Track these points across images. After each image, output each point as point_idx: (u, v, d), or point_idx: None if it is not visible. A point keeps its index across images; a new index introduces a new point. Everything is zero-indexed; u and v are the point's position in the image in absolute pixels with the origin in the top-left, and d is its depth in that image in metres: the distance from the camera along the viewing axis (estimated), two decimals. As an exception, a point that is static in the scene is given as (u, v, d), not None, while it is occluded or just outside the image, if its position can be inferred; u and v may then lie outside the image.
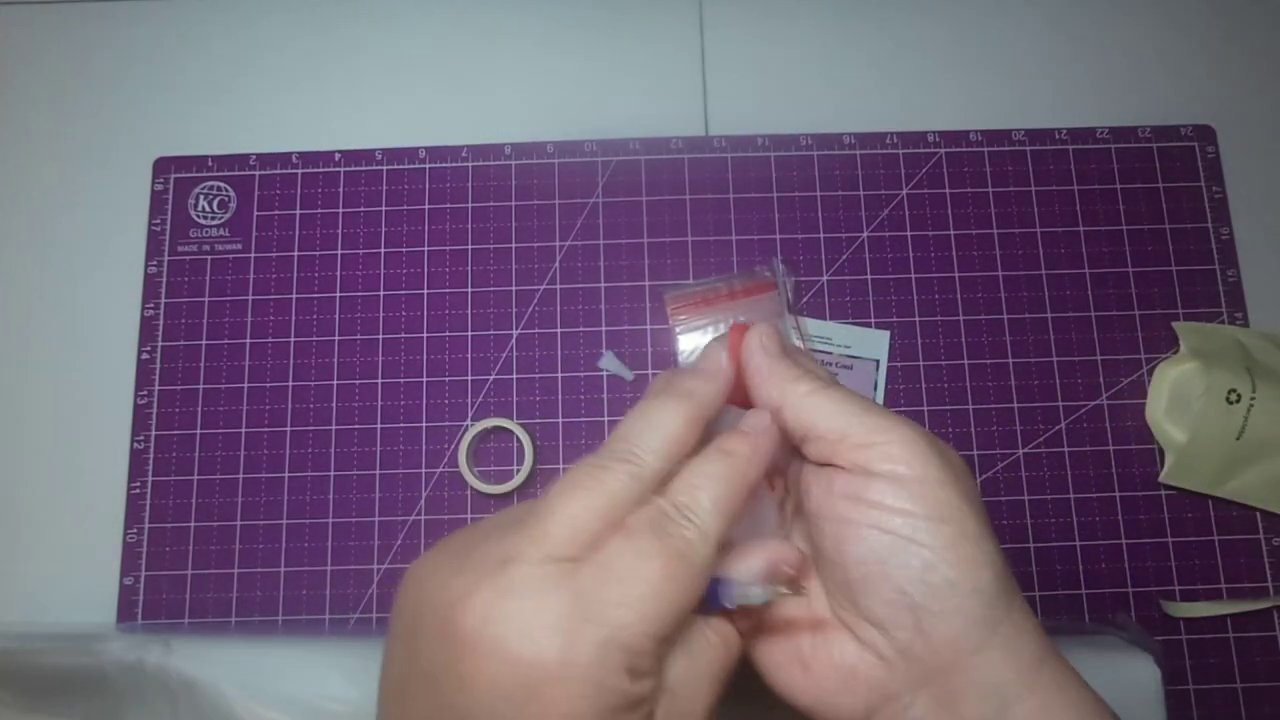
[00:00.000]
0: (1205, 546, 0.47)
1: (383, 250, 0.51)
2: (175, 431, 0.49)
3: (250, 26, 0.55)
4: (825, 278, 0.50)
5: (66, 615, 0.46)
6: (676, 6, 0.55)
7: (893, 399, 0.49)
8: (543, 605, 0.23)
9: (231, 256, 0.51)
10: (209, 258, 0.51)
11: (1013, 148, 0.52)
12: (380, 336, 0.50)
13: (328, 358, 0.49)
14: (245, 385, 0.49)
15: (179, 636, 0.44)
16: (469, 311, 0.50)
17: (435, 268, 0.51)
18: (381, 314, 0.50)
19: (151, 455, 0.48)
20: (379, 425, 0.49)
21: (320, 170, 0.52)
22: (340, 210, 0.51)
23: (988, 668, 0.25)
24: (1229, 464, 0.46)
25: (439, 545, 0.26)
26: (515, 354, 0.49)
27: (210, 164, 0.52)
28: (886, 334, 0.49)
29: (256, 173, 0.52)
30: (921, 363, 0.49)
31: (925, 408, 0.48)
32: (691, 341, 0.49)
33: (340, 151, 0.52)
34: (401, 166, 0.52)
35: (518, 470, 0.47)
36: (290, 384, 0.49)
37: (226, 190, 0.52)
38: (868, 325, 0.49)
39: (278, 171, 0.52)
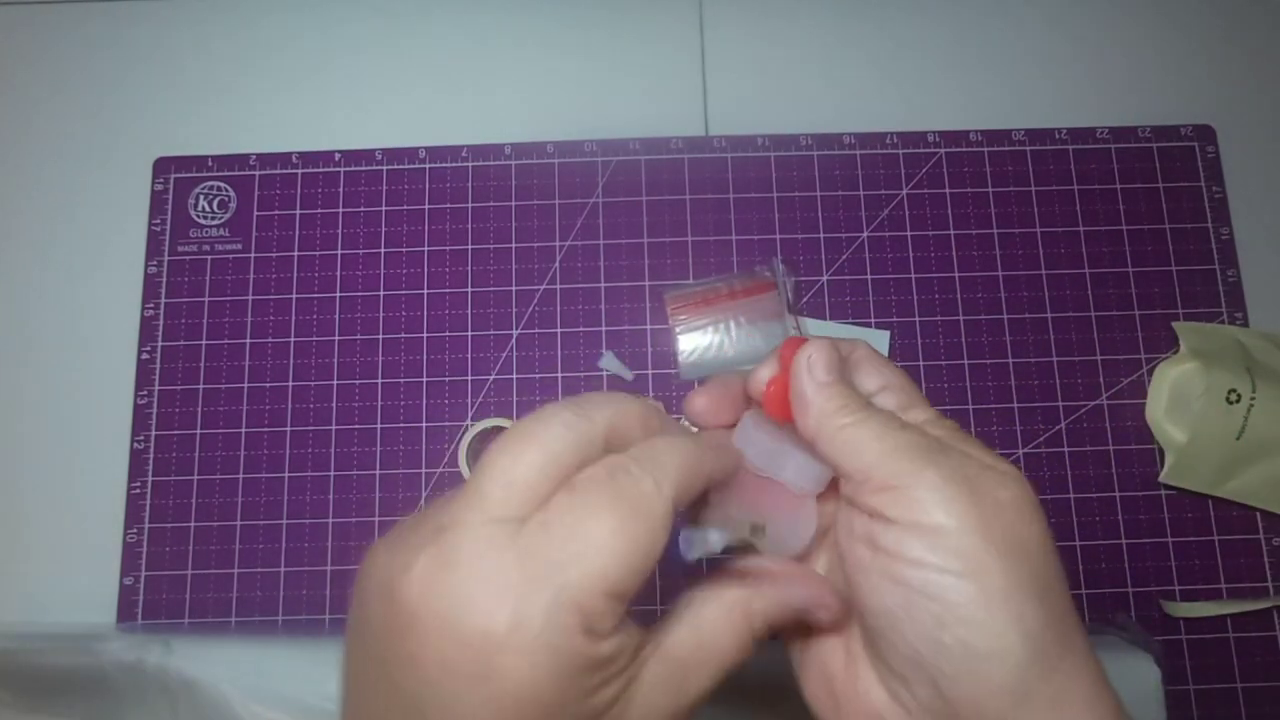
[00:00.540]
0: (1205, 546, 0.47)
1: (383, 250, 0.51)
2: (175, 431, 0.49)
3: (250, 26, 0.55)
4: (825, 278, 0.50)
5: (66, 615, 0.46)
6: (676, 6, 0.55)
7: (893, 399, 0.49)
8: (485, 570, 0.21)
9: (231, 256, 0.51)
10: (209, 258, 0.51)
11: (1013, 148, 0.52)
12: (380, 336, 0.50)
13: (328, 358, 0.49)
14: (245, 385, 0.49)
15: (179, 636, 0.44)
16: (469, 311, 0.50)
17: (435, 268, 0.51)
18: (381, 314, 0.50)
19: (151, 455, 0.48)
20: (379, 425, 0.49)
21: (320, 170, 0.52)
22: (340, 210, 0.51)
23: None
24: (1229, 464, 0.46)
25: (391, 529, 0.24)
26: (515, 354, 0.49)
27: (210, 164, 0.52)
28: (886, 334, 0.49)
29: (256, 173, 0.52)
30: (921, 363, 0.49)
31: (925, 408, 0.48)
32: (691, 341, 0.49)
33: (340, 151, 0.52)
34: (401, 166, 0.52)
35: (518, 470, 0.47)
36: (290, 384, 0.49)
37: (226, 190, 0.52)
38: (868, 325, 0.49)
39: (278, 171, 0.52)
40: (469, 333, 0.50)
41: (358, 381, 0.49)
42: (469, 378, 0.49)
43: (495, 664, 0.21)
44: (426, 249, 0.51)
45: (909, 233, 0.51)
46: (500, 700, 0.21)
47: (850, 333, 0.49)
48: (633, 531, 0.22)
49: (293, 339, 0.50)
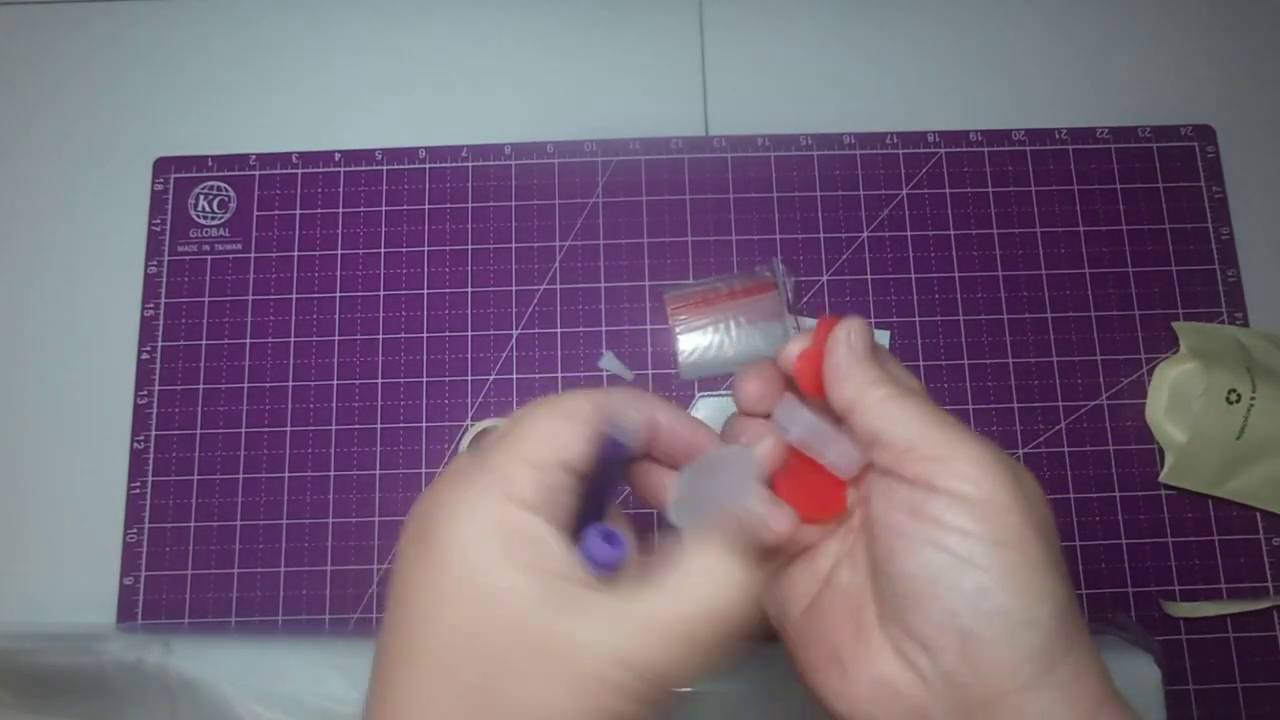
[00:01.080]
0: (1205, 546, 0.47)
1: (383, 250, 0.51)
2: (175, 431, 0.49)
3: (250, 26, 0.55)
4: (825, 278, 0.50)
5: (66, 615, 0.46)
6: (676, 6, 0.55)
7: (893, 399, 0.49)
8: (454, 485, 0.25)
9: (231, 256, 0.51)
10: (209, 258, 0.51)
11: (1013, 148, 0.52)
12: (380, 336, 0.50)
13: (328, 358, 0.49)
14: (245, 385, 0.49)
15: (179, 636, 0.44)
16: (469, 311, 0.50)
17: (435, 268, 0.51)
18: (381, 314, 0.50)
19: (151, 455, 0.48)
20: (379, 425, 0.49)
21: (320, 170, 0.52)
22: (340, 210, 0.51)
23: (1037, 709, 0.23)
24: (1229, 464, 0.46)
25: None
26: (515, 354, 0.49)
27: (210, 164, 0.52)
28: (886, 334, 0.49)
29: (256, 173, 0.52)
30: (921, 363, 0.49)
31: (925, 408, 0.48)
32: (691, 341, 0.49)
33: (340, 151, 0.52)
34: (401, 166, 0.52)
35: (518, 470, 0.47)
36: (290, 384, 0.49)
37: (226, 190, 0.52)
38: (868, 325, 0.49)
39: (278, 171, 0.52)
40: (469, 333, 0.50)
41: (358, 381, 0.49)
42: (469, 378, 0.49)
43: (430, 532, 0.24)
44: (426, 249, 0.51)
45: (909, 233, 0.51)
46: (435, 561, 0.24)
47: (850, 333, 0.49)
48: (552, 419, 0.26)
49: (293, 339, 0.50)
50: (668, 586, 0.24)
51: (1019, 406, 0.48)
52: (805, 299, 0.50)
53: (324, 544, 0.47)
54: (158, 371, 0.49)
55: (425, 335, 0.50)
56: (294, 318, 0.50)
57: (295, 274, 0.51)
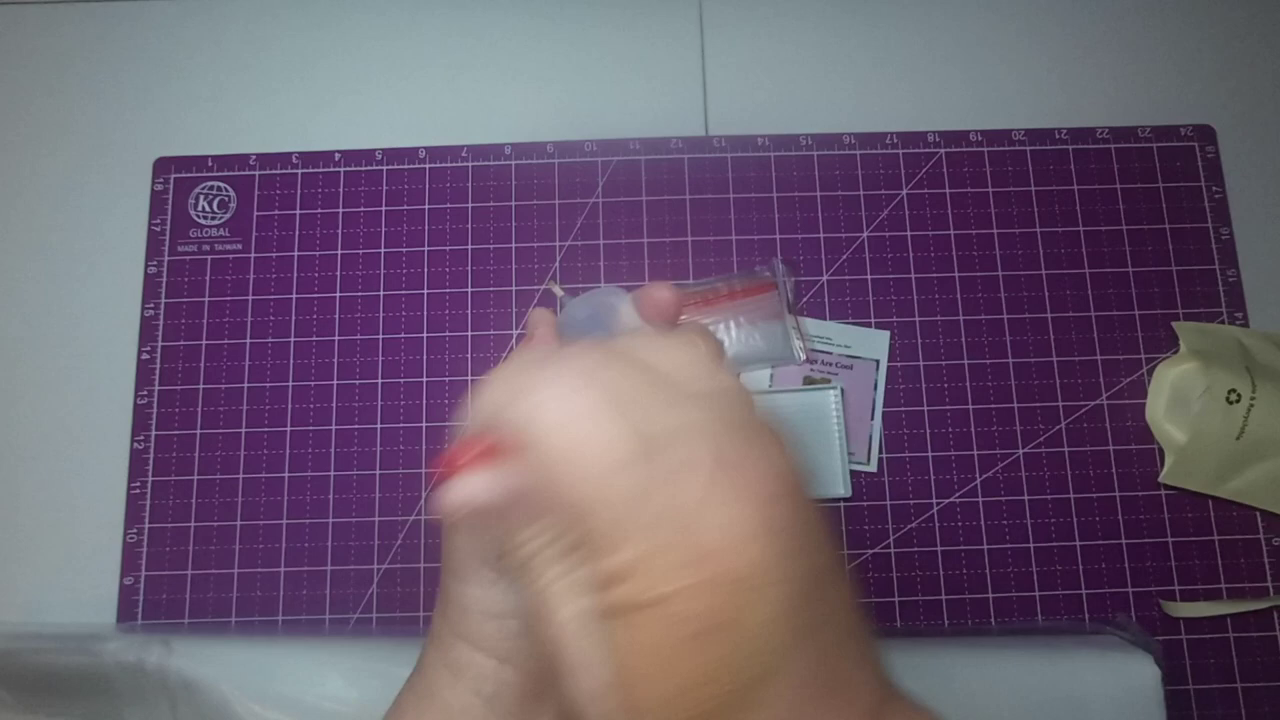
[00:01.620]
0: (1205, 546, 0.47)
1: (383, 250, 0.51)
2: (175, 431, 0.49)
3: (250, 27, 0.55)
4: (825, 278, 0.50)
5: (66, 615, 0.46)
6: (676, 6, 0.55)
7: (892, 399, 0.49)
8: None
9: (231, 256, 0.51)
10: (209, 258, 0.51)
11: (1013, 148, 0.52)
12: (380, 336, 0.50)
13: (328, 358, 0.49)
14: (245, 385, 0.49)
15: (179, 636, 0.44)
16: (469, 311, 0.50)
17: (435, 268, 0.51)
18: (381, 314, 0.50)
19: (151, 455, 0.48)
20: (379, 425, 0.49)
21: (320, 170, 0.52)
22: (340, 210, 0.51)
23: None
24: (1229, 464, 0.46)
25: None
26: (515, 354, 0.49)
27: (210, 164, 0.52)
28: (886, 334, 0.49)
29: (256, 173, 0.52)
30: (921, 363, 0.49)
31: (925, 408, 0.48)
32: (691, 341, 0.49)
33: (340, 151, 0.52)
34: (401, 166, 0.52)
35: (518, 470, 0.47)
36: (290, 384, 0.49)
37: (226, 190, 0.52)
38: (868, 325, 0.49)
39: (278, 171, 0.52)
40: (469, 333, 0.50)
41: (358, 381, 0.49)
42: (469, 378, 0.49)
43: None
44: (426, 249, 0.51)
45: (909, 233, 0.51)
46: None
47: (850, 332, 0.49)
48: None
49: (293, 339, 0.50)
50: None
51: (1019, 406, 0.48)
52: (805, 299, 0.50)
53: (324, 544, 0.47)
54: (158, 371, 0.49)
55: (425, 335, 0.50)
56: (294, 318, 0.50)
57: (295, 274, 0.51)
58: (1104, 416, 0.48)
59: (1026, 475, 0.48)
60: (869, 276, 0.50)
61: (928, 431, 0.48)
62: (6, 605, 0.47)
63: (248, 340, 0.50)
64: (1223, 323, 0.49)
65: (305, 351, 0.50)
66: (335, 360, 0.49)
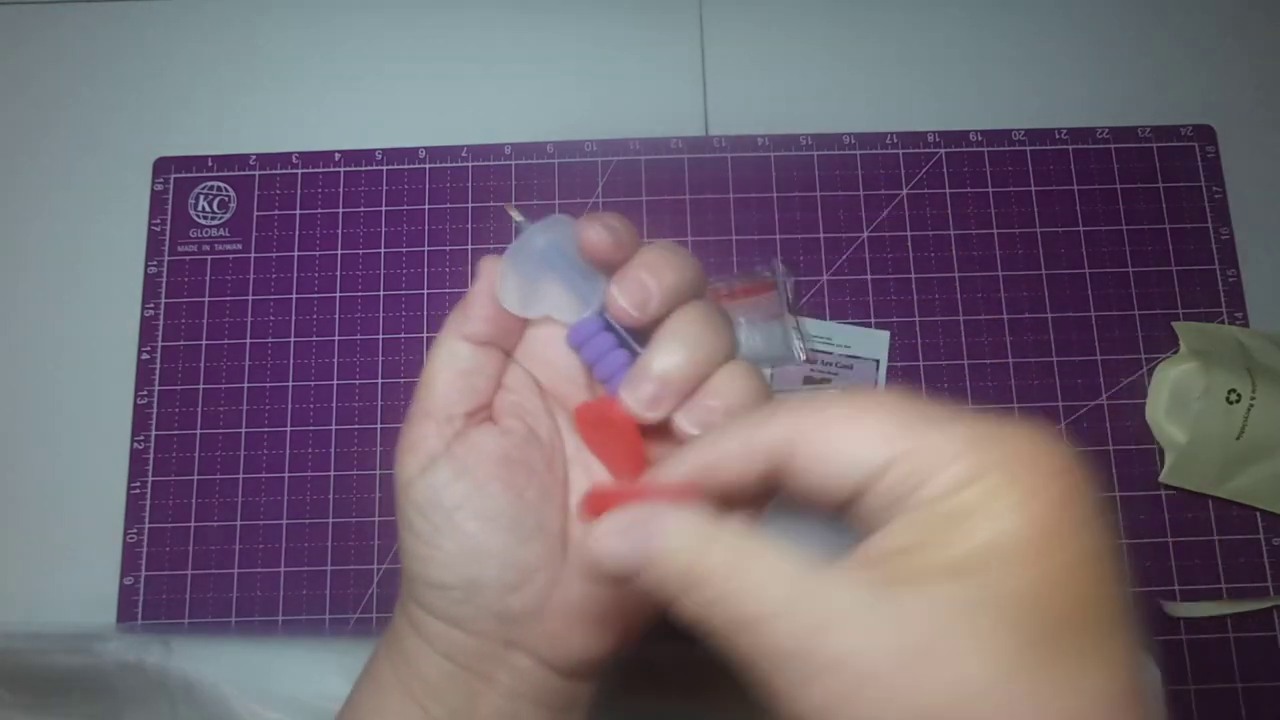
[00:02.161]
0: (1205, 546, 0.47)
1: (383, 250, 0.51)
2: (175, 431, 0.49)
3: (250, 26, 0.55)
4: (825, 278, 0.50)
5: (66, 615, 0.46)
6: (676, 6, 0.55)
7: (893, 399, 0.49)
8: None
9: (231, 256, 0.51)
10: (209, 258, 0.51)
11: (1013, 148, 0.52)
12: (380, 336, 0.50)
13: (328, 358, 0.49)
14: (245, 385, 0.49)
15: (179, 636, 0.44)
16: (469, 311, 0.50)
17: (435, 268, 0.51)
18: (381, 314, 0.50)
19: (151, 455, 0.48)
20: (379, 425, 0.49)
21: (320, 170, 0.52)
22: (340, 210, 0.51)
23: None
24: (1229, 464, 0.46)
25: None
26: (515, 354, 0.49)
27: (210, 164, 0.52)
28: (886, 334, 0.49)
29: (256, 173, 0.52)
30: (921, 363, 0.49)
31: (925, 408, 0.48)
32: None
33: (340, 151, 0.52)
34: (401, 166, 0.52)
35: (518, 470, 0.47)
36: (290, 384, 0.49)
37: (226, 190, 0.52)
38: (868, 325, 0.49)
39: (278, 171, 0.52)
40: (469, 333, 0.50)
41: (358, 381, 0.49)
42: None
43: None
44: (426, 249, 0.51)
45: (909, 233, 0.51)
46: None
47: (850, 332, 0.49)
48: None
49: (293, 339, 0.50)
50: None
51: (1019, 406, 0.48)
52: (805, 299, 0.50)
53: (324, 544, 0.47)
54: (158, 371, 0.49)
55: (425, 335, 0.50)
56: (294, 318, 0.50)
57: (295, 274, 0.51)
58: (1104, 416, 0.48)
59: (1026, 475, 0.48)
60: (869, 276, 0.50)
61: (928, 431, 0.48)
62: (6, 605, 0.47)
63: (248, 340, 0.50)
64: (1223, 323, 0.49)
65: (305, 351, 0.50)
66: (335, 360, 0.49)
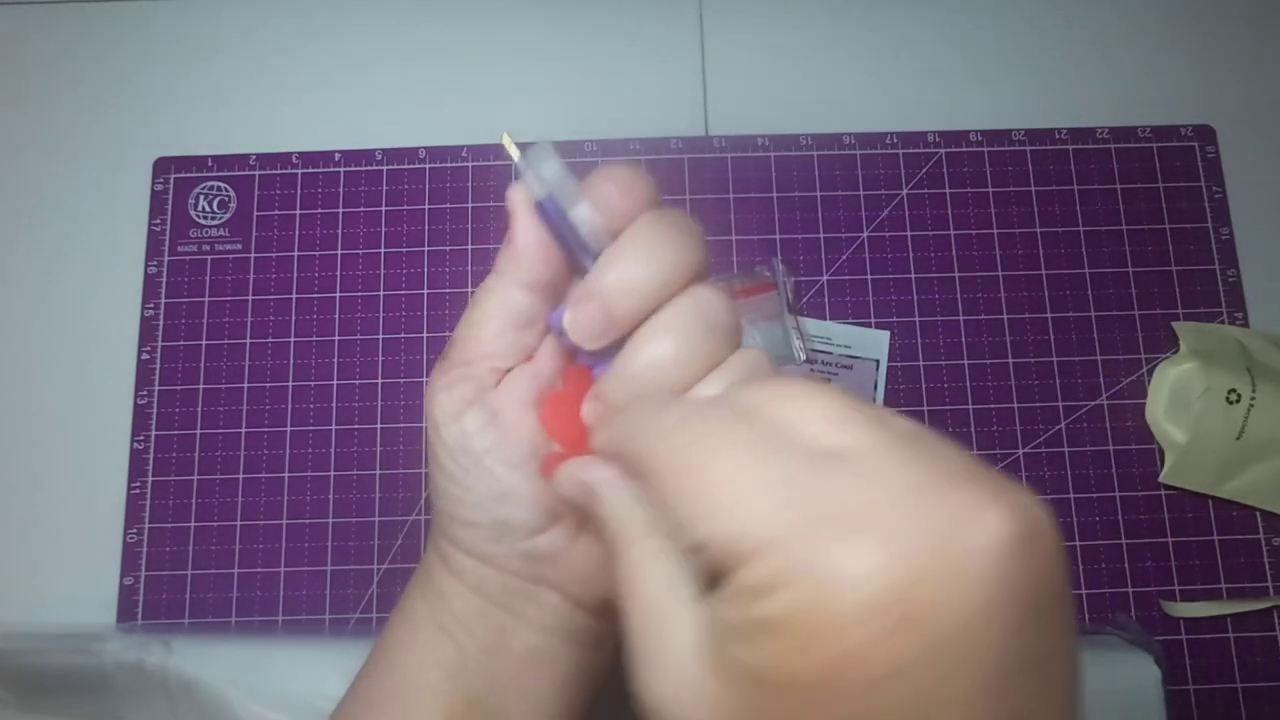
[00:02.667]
0: (1205, 546, 0.47)
1: (383, 250, 0.51)
2: (175, 431, 0.49)
3: (250, 27, 0.55)
4: (825, 278, 0.50)
5: (66, 615, 0.46)
6: (676, 6, 0.55)
7: (893, 399, 0.49)
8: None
9: (231, 256, 0.51)
10: (209, 258, 0.51)
11: (1013, 148, 0.52)
12: (380, 336, 0.50)
13: (328, 358, 0.49)
14: (245, 385, 0.49)
15: (179, 636, 0.44)
16: (469, 311, 0.50)
17: (435, 268, 0.51)
18: (381, 314, 0.50)
19: (151, 455, 0.48)
20: (379, 425, 0.49)
21: (320, 170, 0.52)
22: (340, 210, 0.51)
23: None
24: (1229, 464, 0.46)
25: None
26: (515, 354, 0.49)
27: (210, 164, 0.52)
28: (886, 334, 0.49)
29: (256, 173, 0.52)
30: (921, 363, 0.49)
31: (925, 407, 0.48)
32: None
33: (340, 151, 0.52)
34: (401, 166, 0.52)
35: (518, 470, 0.47)
36: (290, 384, 0.49)
37: (226, 190, 0.52)
38: (868, 325, 0.49)
39: (278, 171, 0.52)
40: (469, 333, 0.50)
41: (358, 381, 0.49)
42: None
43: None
44: (426, 249, 0.51)
45: (909, 233, 0.51)
46: None
47: (850, 333, 0.49)
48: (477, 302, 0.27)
49: (293, 339, 0.50)
50: None
51: (1019, 406, 0.48)
52: (805, 299, 0.50)
53: (324, 544, 0.47)
54: (158, 371, 0.49)
55: (425, 335, 0.50)
56: (294, 318, 0.50)
57: (295, 274, 0.51)
58: (1104, 416, 0.48)
59: (1026, 475, 0.48)
60: (869, 276, 0.50)
61: (928, 431, 0.48)
62: (6, 605, 0.47)
63: (248, 340, 0.50)
64: (1223, 323, 0.49)
65: (305, 351, 0.50)
66: (335, 360, 0.49)
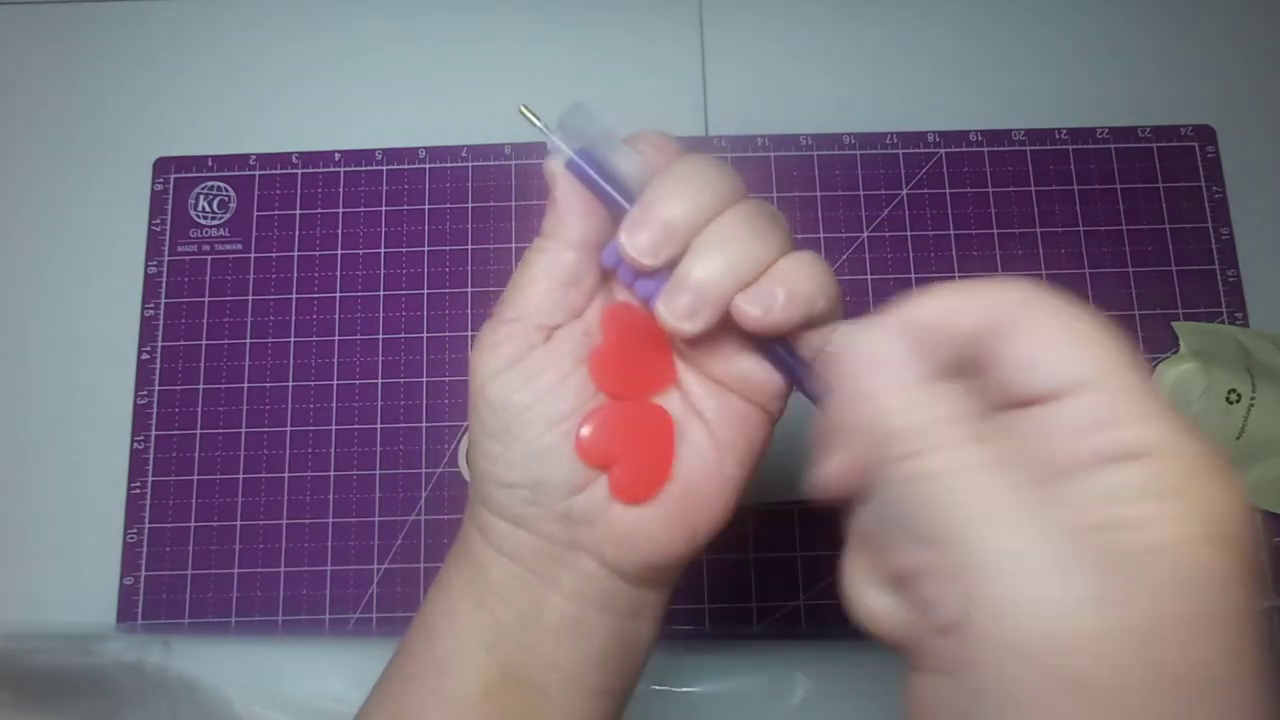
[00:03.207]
0: (1205, 546, 0.47)
1: (383, 250, 0.51)
2: (175, 431, 0.49)
3: (250, 26, 0.55)
4: (825, 278, 0.50)
5: (66, 615, 0.46)
6: (676, 6, 0.55)
7: (893, 399, 0.49)
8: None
9: (231, 256, 0.51)
10: (209, 258, 0.51)
11: (1013, 148, 0.52)
12: (380, 336, 0.50)
13: (328, 358, 0.49)
14: (245, 385, 0.49)
15: (179, 636, 0.44)
16: (469, 311, 0.50)
17: (435, 268, 0.51)
18: (381, 314, 0.50)
19: (151, 455, 0.48)
20: (379, 425, 0.49)
21: (320, 170, 0.52)
22: (340, 210, 0.51)
23: None
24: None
25: None
26: (515, 354, 0.49)
27: (210, 164, 0.52)
28: (886, 334, 0.49)
29: (256, 173, 0.52)
30: (921, 363, 0.49)
31: (925, 408, 0.48)
32: (691, 341, 0.49)
33: (340, 151, 0.52)
34: (401, 166, 0.52)
35: (518, 470, 0.47)
36: (290, 384, 0.49)
37: (226, 190, 0.52)
38: (868, 325, 0.49)
39: (278, 171, 0.52)
40: (468, 333, 0.50)
41: (358, 381, 0.49)
42: (469, 377, 0.49)
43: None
44: (426, 249, 0.51)
45: (909, 233, 0.51)
46: None
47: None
48: (529, 260, 0.28)
49: (293, 339, 0.50)
50: None
51: (1019, 406, 0.48)
52: (805, 299, 0.50)
53: (324, 544, 0.47)
54: (158, 371, 0.49)
55: (425, 335, 0.50)
56: (294, 318, 0.50)
57: (295, 274, 0.51)
58: (1104, 416, 0.48)
59: (1026, 475, 0.48)
60: (869, 276, 0.50)
61: (928, 431, 0.48)
62: (6, 605, 0.47)
63: (248, 340, 0.50)
64: (1223, 323, 0.49)
65: (305, 351, 0.50)
66: (335, 360, 0.49)
